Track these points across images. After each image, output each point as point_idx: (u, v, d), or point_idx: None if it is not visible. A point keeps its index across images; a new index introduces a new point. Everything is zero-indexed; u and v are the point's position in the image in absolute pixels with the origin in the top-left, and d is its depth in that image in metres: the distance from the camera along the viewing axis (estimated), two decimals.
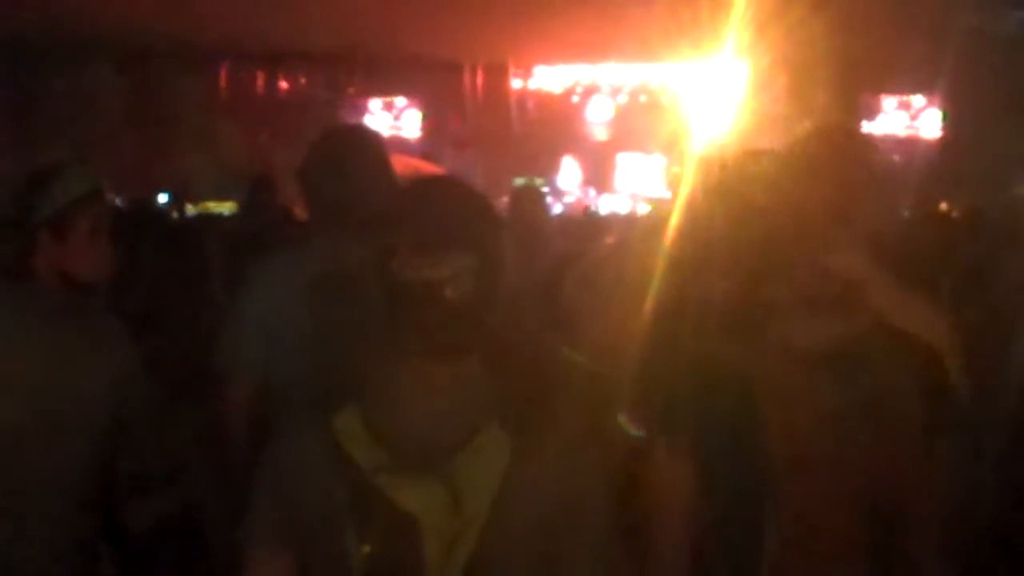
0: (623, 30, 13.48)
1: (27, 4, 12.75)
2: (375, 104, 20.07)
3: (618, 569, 1.99)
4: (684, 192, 2.95)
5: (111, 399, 2.73)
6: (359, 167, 3.23)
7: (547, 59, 19.81)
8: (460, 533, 1.82)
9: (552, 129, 20.38)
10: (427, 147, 19.24)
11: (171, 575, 3.13)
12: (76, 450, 2.68)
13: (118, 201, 10.37)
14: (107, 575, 2.85)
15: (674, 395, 2.46)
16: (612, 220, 11.07)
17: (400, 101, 20.13)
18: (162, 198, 13.09)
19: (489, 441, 1.86)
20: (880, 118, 19.21)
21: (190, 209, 12.47)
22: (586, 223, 10.50)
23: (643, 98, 20.12)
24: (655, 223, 3.11)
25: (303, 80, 19.84)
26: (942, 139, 18.35)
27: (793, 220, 2.44)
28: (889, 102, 19.17)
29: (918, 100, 18.97)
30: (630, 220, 9.20)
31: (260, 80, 19.64)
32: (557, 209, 16.68)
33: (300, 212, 6.53)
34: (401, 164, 3.40)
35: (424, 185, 2.06)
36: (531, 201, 6.73)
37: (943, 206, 9.82)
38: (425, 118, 20.30)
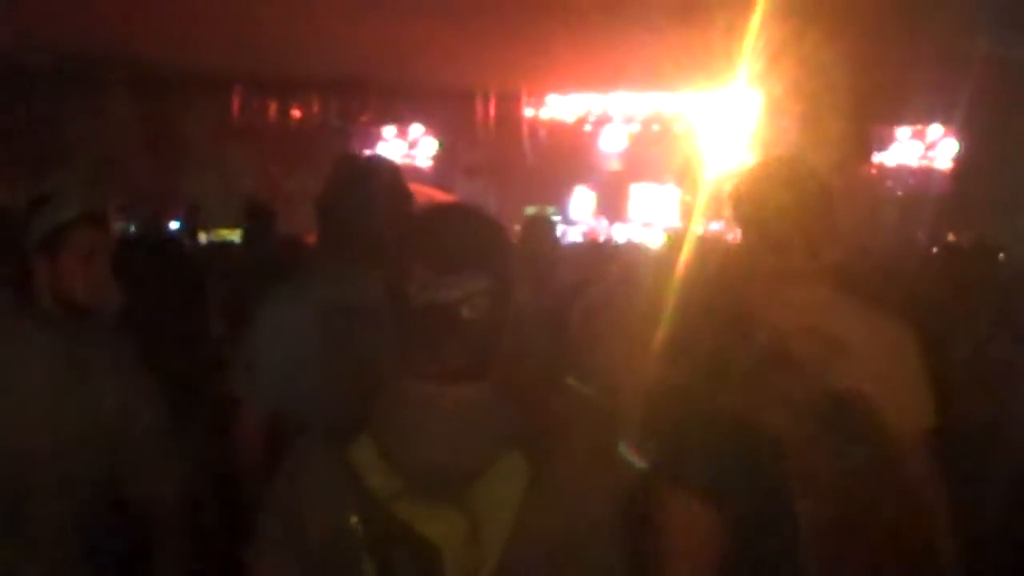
0: (636, 59, 13.52)
1: (43, 28, 12.84)
2: (388, 131, 20.10)
3: None
4: (697, 222, 2.92)
5: (120, 421, 2.73)
6: (375, 194, 3.23)
7: (560, 88, 19.86)
8: (480, 561, 1.80)
9: (564, 158, 20.43)
10: (439, 175, 19.28)
11: None
12: (82, 470, 2.69)
13: (132, 227, 10.43)
14: None
15: (687, 441, 2.43)
16: (625, 249, 11.04)
17: (416, 129, 20.13)
18: (174, 224, 13.12)
19: (507, 468, 1.84)
20: (894, 147, 19.21)
21: (202, 236, 12.49)
22: (598, 252, 10.45)
23: (656, 127, 20.17)
24: (666, 254, 3.07)
25: (316, 107, 19.93)
26: (956, 168, 18.33)
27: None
28: (903, 132, 19.15)
29: (934, 130, 18.94)
30: (641, 250, 9.16)
31: (273, 107, 19.74)
32: (572, 237, 16.65)
33: (312, 239, 6.52)
34: (414, 192, 3.41)
35: (437, 210, 2.06)
36: (542, 230, 6.73)
37: (951, 237, 9.79)
38: (438, 146, 20.34)
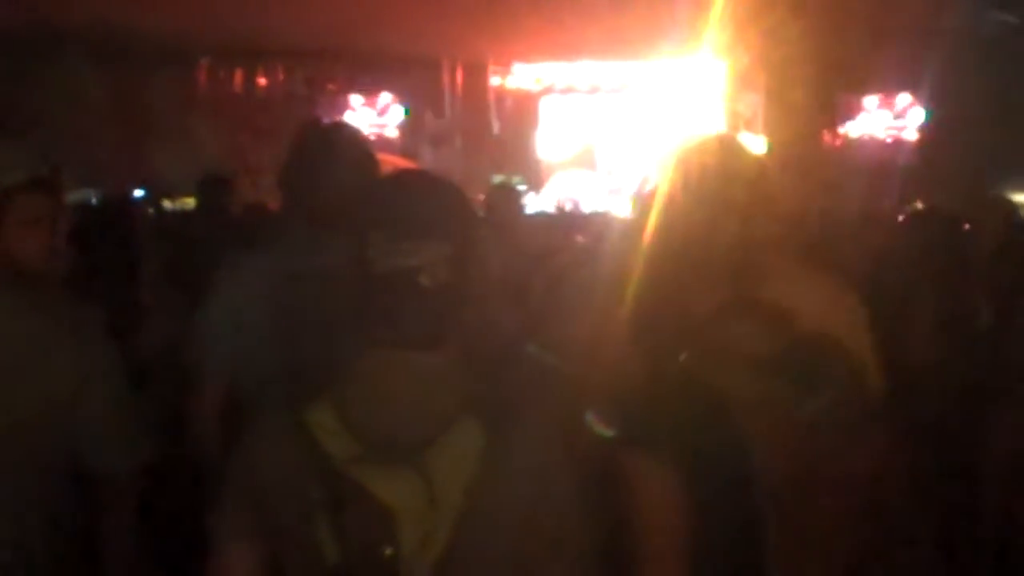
0: (602, 28, 13.49)
1: None
2: (356, 100, 19.97)
3: (592, 569, 1.98)
4: (662, 192, 2.91)
5: (81, 390, 2.70)
6: (337, 161, 3.22)
7: (526, 56, 19.79)
8: (435, 525, 1.81)
9: (531, 127, 20.35)
10: (404, 144, 19.21)
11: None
12: (42, 439, 2.65)
13: (93, 196, 10.34)
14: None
15: (653, 406, 2.43)
16: (591, 219, 11.03)
17: (384, 97, 20.00)
18: (139, 193, 13.03)
19: (464, 433, 1.86)
20: (861, 117, 19.24)
21: (167, 204, 12.42)
22: (564, 221, 10.44)
23: (622, 96, 20.11)
24: (633, 223, 3.07)
25: (282, 76, 19.78)
26: (923, 138, 18.39)
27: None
28: (871, 101, 19.17)
29: (902, 99, 18.97)
30: (607, 220, 9.17)
31: (239, 76, 19.57)
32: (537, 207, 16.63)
33: (275, 206, 6.48)
34: (380, 161, 3.39)
35: (399, 176, 2.08)
36: (507, 199, 6.70)
37: (918, 204, 9.84)
38: (404, 115, 20.24)
